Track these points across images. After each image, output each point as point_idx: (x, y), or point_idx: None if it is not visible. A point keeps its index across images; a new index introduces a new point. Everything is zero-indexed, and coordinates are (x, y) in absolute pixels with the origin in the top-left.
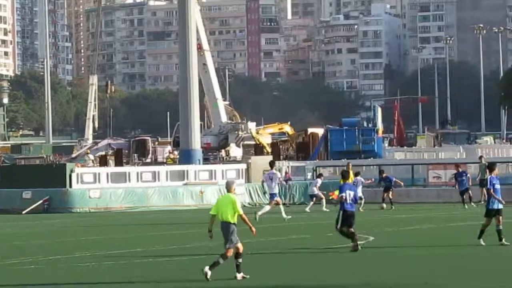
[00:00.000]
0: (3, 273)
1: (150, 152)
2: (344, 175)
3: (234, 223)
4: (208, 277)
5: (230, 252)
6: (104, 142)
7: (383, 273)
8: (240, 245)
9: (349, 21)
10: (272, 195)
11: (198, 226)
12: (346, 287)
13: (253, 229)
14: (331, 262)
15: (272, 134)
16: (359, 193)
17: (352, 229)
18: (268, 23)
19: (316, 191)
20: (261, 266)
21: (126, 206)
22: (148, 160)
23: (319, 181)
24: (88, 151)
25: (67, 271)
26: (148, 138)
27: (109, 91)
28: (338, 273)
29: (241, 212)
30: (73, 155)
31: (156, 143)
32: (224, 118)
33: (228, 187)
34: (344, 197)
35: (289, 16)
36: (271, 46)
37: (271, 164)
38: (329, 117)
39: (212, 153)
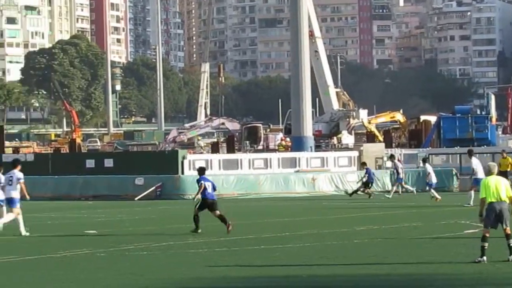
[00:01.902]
0: (117, 258)
1: (262, 139)
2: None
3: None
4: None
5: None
6: (218, 121)
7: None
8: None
9: (462, 8)
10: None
11: (309, 213)
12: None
13: None
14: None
15: (384, 122)
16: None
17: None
18: (380, 10)
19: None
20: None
21: (237, 193)
22: (260, 147)
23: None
24: (199, 138)
25: (179, 257)
26: (260, 125)
27: (221, 75)
28: None
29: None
30: (183, 136)
31: (268, 130)
32: (335, 105)
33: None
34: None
35: (401, 3)
36: (383, 33)
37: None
38: (441, 105)
39: (324, 140)
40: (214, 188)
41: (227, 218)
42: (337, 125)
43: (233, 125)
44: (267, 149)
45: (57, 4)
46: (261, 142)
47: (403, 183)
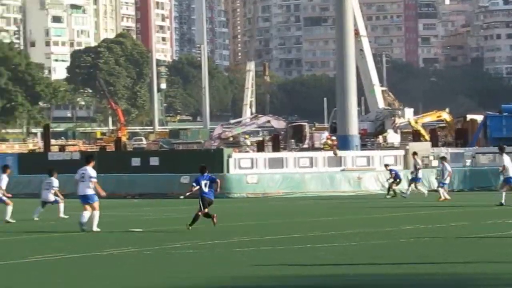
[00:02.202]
0: (163, 256)
1: (307, 137)
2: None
3: None
4: None
5: None
6: (263, 119)
7: None
8: None
9: (508, 6)
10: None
11: (355, 212)
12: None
13: None
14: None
15: (430, 121)
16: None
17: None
18: (426, 8)
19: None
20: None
21: (283, 191)
22: (305, 146)
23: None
24: (247, 137)
25: (224, 255)
26: (305, 123)
27: (266, 74)
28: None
29: None
30: (228, 134)
31: (313, 128)
32: (381, 104)
33: None
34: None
35: (447, 1)
36: (428, 31)
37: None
38: (487, 104)
39: (369, 139)
40: (213, 181)
41: (210, 212)
42: (382, 124)
43: (278, 123)
44: (312, 148)
45: (102, 3)
46: (307, 141)
47: (419, 183)
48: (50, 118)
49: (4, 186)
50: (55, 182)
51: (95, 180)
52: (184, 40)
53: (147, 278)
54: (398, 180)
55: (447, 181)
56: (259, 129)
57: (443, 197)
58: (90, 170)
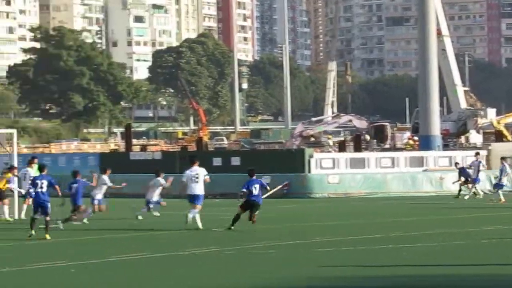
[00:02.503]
0: (244, 256)
1: (389, 138)
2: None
3: None
4: None
5: None
6: (346, 118)
7: None
8: None
9: None
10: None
11: (437, 212)
12: None
13: None
14: None
15: None
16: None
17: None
18: (509, 8)
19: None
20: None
21: (365, 191)
22: (387, 146)
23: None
24: (330, 137)
25: (306, 255)
26: (387, 124)
27: (348, 73)
28: None
29: None
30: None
31: (395, 129)
32: (463, 104)
33: None
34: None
35: None
36: (511, 31)
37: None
38: None
39: (451, 140)
40: (263, 187)
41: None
42: (464, 124)
43: (361, 123)
44: (394, 148)
45: (184, 3)
46: (388, 141)
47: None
48: (132, 118)
49: (109, 184)
50: (161, 181)
51: (208, 177)
52: (265, 40)
53: (228, 278)
54: (469, 179)
55: (504, 182)
56: (341, 129)
57: (503, 200)
58: (200, 169)
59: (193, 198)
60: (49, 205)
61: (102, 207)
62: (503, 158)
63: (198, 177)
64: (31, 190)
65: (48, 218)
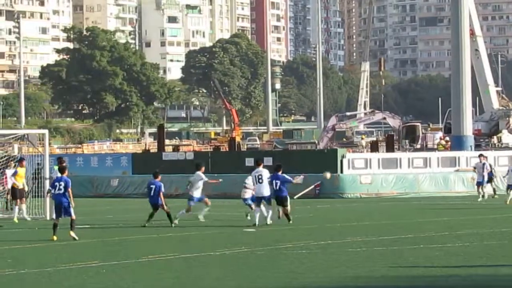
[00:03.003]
0: (276, 256)
1: (420, 138)
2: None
3: None
4: None
5: None
6: (380, 115)
7: None
8: None
9: None
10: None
11: (469, 213)
12: None
13: None
14: None
15: None
16: None
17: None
18: None
19: None
20: None
21: (397, 192)
22: (418, 146)
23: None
24: (364, 137)
25: (338, 256)
26: (418, 124)
27: (382, 69)
28: None
29: None
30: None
31: (429, 129)
32: (496, 104)
33: None
34: None
35: None
36: None
37: None
38: None
39: (483, 140)
40: (285, 181)
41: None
42: (496, 124)
43: (394, 122)
44: (426, 148)
45: (218, 3)
46: (419, 141)
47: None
48: (165, 118)
49: (205, 179)
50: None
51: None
52: (299, 40)
53: (258, 278)
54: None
55: (482, 179)
56: (374, 129)
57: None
58: (264, 170)
59: (259, 200)
60: (68, 205)
61: (206, 201)
62: (481, 155)
63: (262, 178)
64: (52, 191)
65: (73, 218)
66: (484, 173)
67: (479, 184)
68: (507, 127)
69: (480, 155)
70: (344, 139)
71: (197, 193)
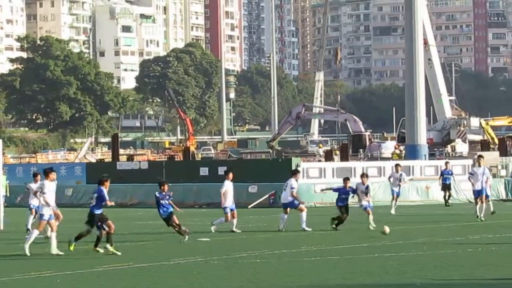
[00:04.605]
0: (231, 266)
1: (367, 147)
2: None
3: None
4: None
5: None
6: (344, 116)
7: None
8: None
9: None
10: None
11: (423, 221)
12: None
13: None
14: None
15: (502, 126)
16: None
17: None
18: (495, 18)
19: None
20: None
21: (351, 201)
22: (362, 155)
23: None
24: (321, 145)
25: (292, 264)
26: (366, 133)
27: (338, 58)
28: None
29: None
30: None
31: (387, 138)
32: (448, 113)
33: None
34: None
35: None
36: (498, 41)
37: None
38: None
39: (437, 149)
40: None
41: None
42: (448, 133)
43: (355, 125)
44: (381, 158)
45: (172, 13)
46: (366, 150)
47: None
48: (119, 127)
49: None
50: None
51: (295, 190)
52: (253, 49)
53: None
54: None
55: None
56: (327, 138)
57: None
58: (293, 181)
59: (284, 206)
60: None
61: (234, 214)
62: (397, 165)
63: (286, 186)
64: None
65: (107, 230)
66: (401, 183)
67: (397, 194)
68: (458, 136)
69: (397, 165)
70: (298, 150)
71: (228, 202)
